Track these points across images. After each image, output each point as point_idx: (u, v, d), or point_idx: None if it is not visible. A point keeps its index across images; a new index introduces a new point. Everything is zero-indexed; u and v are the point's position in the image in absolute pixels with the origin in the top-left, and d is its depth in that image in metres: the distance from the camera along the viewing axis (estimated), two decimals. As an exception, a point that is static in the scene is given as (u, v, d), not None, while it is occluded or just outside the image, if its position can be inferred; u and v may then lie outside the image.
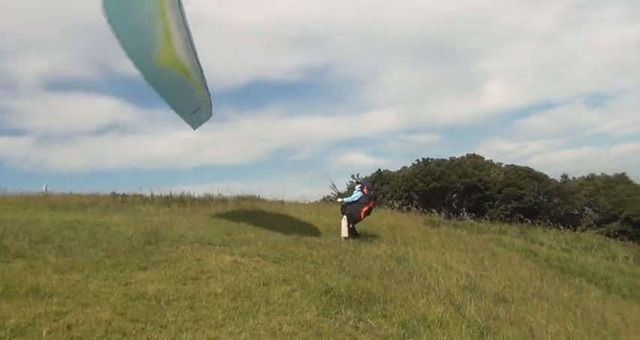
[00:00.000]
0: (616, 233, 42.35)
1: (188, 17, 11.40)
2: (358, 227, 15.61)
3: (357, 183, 15.92)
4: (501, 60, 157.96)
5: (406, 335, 6.62)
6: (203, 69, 12.32)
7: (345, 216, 15.06)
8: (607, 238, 28.35)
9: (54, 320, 5.83)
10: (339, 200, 15.81)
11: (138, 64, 12.20)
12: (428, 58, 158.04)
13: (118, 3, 11.59)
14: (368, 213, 15.12)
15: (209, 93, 13.16)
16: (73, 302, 6.65)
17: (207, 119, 14.26)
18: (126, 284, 7.96)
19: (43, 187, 25.35)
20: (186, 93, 12.88)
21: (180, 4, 11.21)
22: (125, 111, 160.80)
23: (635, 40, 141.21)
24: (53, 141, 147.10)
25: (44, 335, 5.39)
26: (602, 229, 50.70)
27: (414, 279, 10.00)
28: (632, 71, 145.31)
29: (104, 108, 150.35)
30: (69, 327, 5.68)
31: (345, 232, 14.85)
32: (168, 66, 12.01)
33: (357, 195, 15.11)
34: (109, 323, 5.85)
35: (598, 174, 67.05)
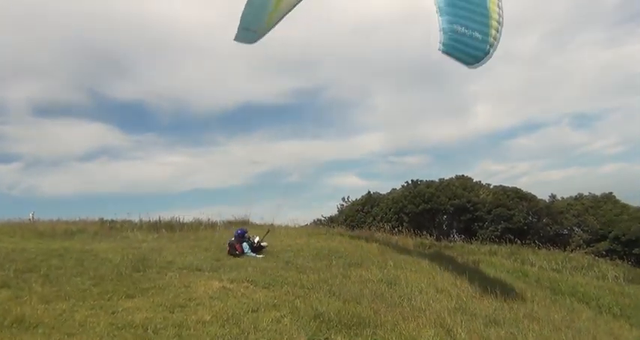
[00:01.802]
0: (605, 252, 42.53)
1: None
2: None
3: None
4: (489, 82, 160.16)
5: (397, 360, 6.57)
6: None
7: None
8: (596, 258, 28.38)
9: (39, 352, 5.74)
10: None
11: None
12: (416, 81, 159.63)
13: None
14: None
15: (266, 31, 13.58)
16: (58, 333, 6.56)
17: (247, 42, 14.35)
18: (113, 313, 7.86)
19: (30, 215, 25.10)
20: (256, 12, 13.11)
21: None
22: (114, 136, 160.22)
23: (615, 62, 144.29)
24: (42, 167, 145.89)
25: (28, 367, 5.29)
26: (591, 248, 50.89)
27: (405, 303, 9.96)
28: (615, 92, 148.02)
29: (93, 133, 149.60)
30: (54, 358, 5.59)
31: None
32: None
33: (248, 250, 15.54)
34: (95, 354, 5.77)
35: (586, 193, 67.73)
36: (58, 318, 7.37)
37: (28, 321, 6.99)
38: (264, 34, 13.83)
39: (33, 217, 24.71)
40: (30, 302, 8.20)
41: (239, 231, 15.88)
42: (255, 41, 14.21)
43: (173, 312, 8.05)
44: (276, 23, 13.27)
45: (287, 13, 12.86)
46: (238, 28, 13.86)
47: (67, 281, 10.17)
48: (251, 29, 13.72)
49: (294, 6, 12.69)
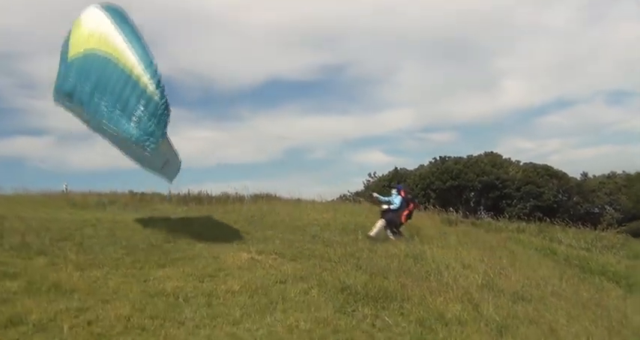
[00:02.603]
0: (638, 232, 41.60)
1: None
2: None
3: (392, 187, 15.82)
4: (519, 57, 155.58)
5: (423, 333, 6.59)
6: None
7: (383, 219, 15.01)
8: (628, 237, 27.89)
9: (75, 316, 5.93)
10: (385, 207, 15.50)
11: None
12: (444, 56, 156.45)
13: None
14: (409, 216, 15.06)
15: (171, 143, 13.04)
16: (93, 299, 6.74)
17: (179, 168, 14.05)
18: (145, 281, 8.06)
19: (63, 186, 25.66)
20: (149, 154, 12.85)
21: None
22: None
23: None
24: (73, 141, 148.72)
25: (65, 330, 5.46)
26: (623, 228, 49.86)
27: (432, 278, 9.95)
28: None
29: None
30: (89, 323, 5.76)
31: (374, 232, 14.79)
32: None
33: (397, 200, 15.03)
34: (129, 319, 5.93)
35: (619, 172, 66.13)
36: (92, 285, 7.58)
37: (64, 287, 7.19)
38: (175, 154, 13.41)
39: (66, 188, 25.28)
40: (65, 269, 8.43)
41: (403, 188, 15.82)
42: (179, 165, 13.97)
43: (203, 282, 8.20)
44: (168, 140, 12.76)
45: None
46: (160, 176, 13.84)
47: (100, 250, 10.44)
48: (162, 166, 13.49)
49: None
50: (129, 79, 11.29)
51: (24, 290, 6.91)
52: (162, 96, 11.33)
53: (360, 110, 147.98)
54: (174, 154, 13.33)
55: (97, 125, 12.40)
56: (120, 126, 11.47)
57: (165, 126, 11.66)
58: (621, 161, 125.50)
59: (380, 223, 14.93)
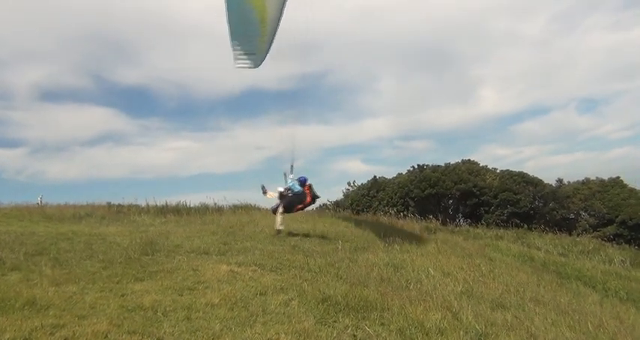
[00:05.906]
0: (612, 236, 42.41)
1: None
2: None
3: (299, 180, 15.90)
4: (494, 66, 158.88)
5: (404, 343, 6.61)
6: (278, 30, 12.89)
7: (281, 205, 15.61)
8: (603, 242, 28.41)
9: (50, 334, 5.79)
10: (288, 191, 15.93)
11: None
12: (422, 65, 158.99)
13: None
14: (302, 209, 15.76)
15: (269, 50, 13.50)
16: (69, 315, 6.61)
17: (251, 68, 14.24)
18: (122, 296, 7.92)
19: (38, 198, 25.29)
20: (250, 36, 13.16)
21: None
22: (119, 121, 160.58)
23: (624, 45, 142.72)
24: (48, 152, 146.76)
25: (41, 348, 5.35)
26: (598, 233, 50.79)
27: (412, 286, 10.00)
28: (624, 76, 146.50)
29: (98, 118, 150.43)
30: (66, 340, 5.64)
31: (279, 225, 15.57)
32: (252, 6, 12.40)
33: (298, 188, 15.58)
34: (106, 336, 5.82)
35: (593, 178, 67.34)
36: (68, 300, 7.44)
37: (39, 303, 7.05)
38: (262, 57, 13.80)
39: (41, 201, 24.88)
40: (40, 284, 8.27)
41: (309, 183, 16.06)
42: (256, 66, 14.16)
43: (182, 295, 8.10)
44: (271, 41, 13.24)
45: (274, 32, 12.83)
46: (233, 54, 13.86)
47: (76, 264, 10.26)
48: (245, 54, 13.73)
49: (279, 21, 12.66)
50: None
51: (-3, 308, 6.75)
52: None
53: (339, 119, 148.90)
54: (262, 57, 13.80)
55: None
56: None
57: None
58: (595, 167, 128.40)
59: (279, 216, 15.66)
